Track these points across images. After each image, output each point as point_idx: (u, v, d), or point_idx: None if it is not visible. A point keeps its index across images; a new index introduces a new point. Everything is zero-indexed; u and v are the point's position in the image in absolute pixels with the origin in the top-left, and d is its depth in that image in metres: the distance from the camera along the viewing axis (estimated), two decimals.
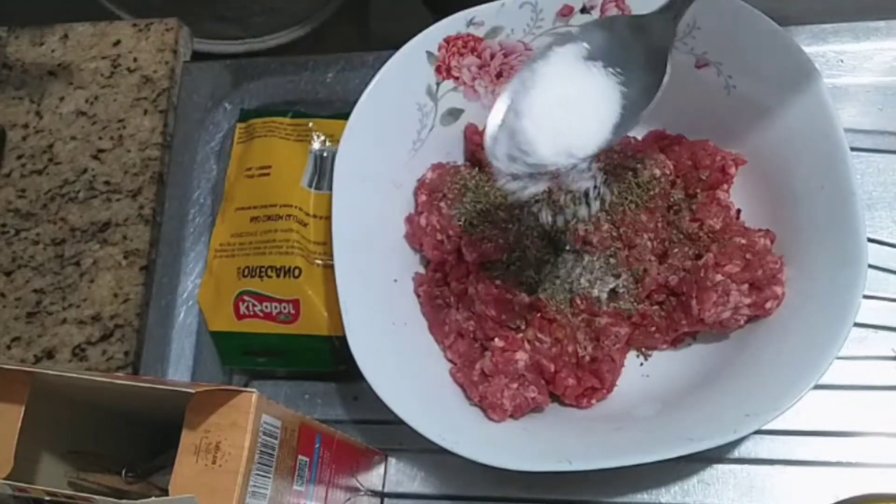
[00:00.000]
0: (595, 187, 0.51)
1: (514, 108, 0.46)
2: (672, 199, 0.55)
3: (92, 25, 0.71)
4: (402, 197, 0.58)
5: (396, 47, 0.56)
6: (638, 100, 0.46)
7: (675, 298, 0.54)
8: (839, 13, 0.62)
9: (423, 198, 0.57)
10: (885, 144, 0.58)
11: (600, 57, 0.47)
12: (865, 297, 0.48)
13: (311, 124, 0.62)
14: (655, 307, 0.54)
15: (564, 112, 0.46)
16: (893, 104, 0.59)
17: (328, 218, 0.55)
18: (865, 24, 0.61)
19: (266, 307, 0.58)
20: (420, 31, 0.56)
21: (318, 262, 0.58)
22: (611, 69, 0.47)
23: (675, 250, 0.54)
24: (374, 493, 0.55)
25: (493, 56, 0.57)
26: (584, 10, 0.56)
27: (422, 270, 0.58)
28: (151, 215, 0.65)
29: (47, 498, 0.40)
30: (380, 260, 0.55)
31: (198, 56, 0.72)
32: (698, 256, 0.53)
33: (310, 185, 0.60)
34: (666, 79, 0.45)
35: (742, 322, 0.52)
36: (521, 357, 0.52)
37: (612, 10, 0.56)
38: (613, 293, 0.54)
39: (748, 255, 0.52)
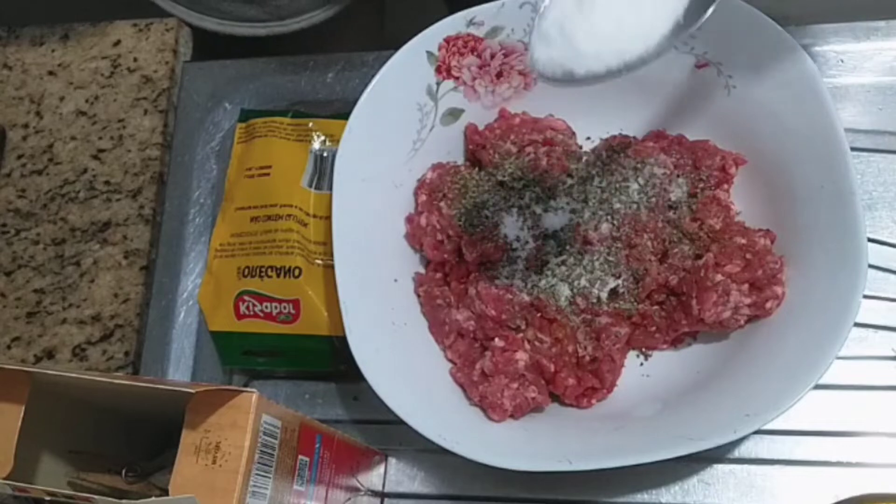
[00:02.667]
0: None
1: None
2: (672, 199, 0.55)
3: (92, 25, 0.71)
4: (402, 197, 0.58)
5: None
6: (694, 10, 0.42)
7: (675, 298, 0.54)
8: (839, 13, 0.62)
9: (423, 198, 0.57)
10: (885, 144, 0.58)
11: None
12: (865, 297, 0.48)
13: (311, 124, 0.62)
14: (655, 307, 0.54)
15: (618, 11, 0.42)
16: (893, 104, 0.59)
17: (328, 218, 0.55)
18: (865, 24, 0.61)
19: (266, 307, 0.58)
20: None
21: (318, 262, 0.58)
22: None
23: (675, 250, 0.54)
24: (374, 493, 0.55)
25: (493, 56, 0.57)
26: None
27: (422, 270, 0.58)
28: (151, 215, 0.65)
29: (47, 498, 0.40)
30: (380, 260, 0.55)
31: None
32: (698, 256, 0.53)
33: (310, 185, 0.60)
34: None
35: (742, 322, 0.52)
36: (521, 357, 0.52)
37: None
38: (613, 293, 0.54)
39: (748, 255, 0.52)
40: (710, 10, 0.42)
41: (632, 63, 0.43)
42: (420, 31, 0.56)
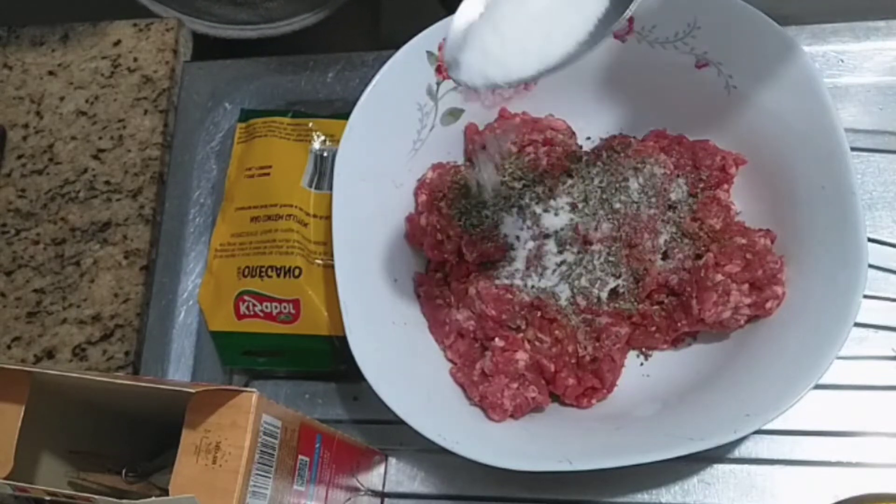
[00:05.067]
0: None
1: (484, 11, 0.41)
2: (672, 199, 0.55)
3: (92, 25, 0.71)
4: (402, 197, 0.58)
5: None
6: (613, 10, 0.41)
7: (675, 298, 0.54)
8: (839, 13, 0.62)
9: (423, 198, 0.57)
10: (885, 144, 0.58)
11: None
12: (865, 297, 0.48)
13: (311, 124, 0.62)
14: (656, 307, 0.54)
15: (535, 16, 0.41)
16: (893, 104, 0.59)
17: (328, 218, 0.55)
18: (865, 24, 0.61)
19: (266, 307, 0.58)
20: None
21: (318, 262, 0.58)
22: None
23: (676, 250, 0.54)
24: (374, 493, 0.55)
25: None
26: None
27: (422, 270, 0.58)
28: (151, 215, 0.65)
29: (47, 498, 0.40)
30: (380, 260, 0.55)
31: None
32: (698, 256, 0.53)
33: (310, 185, 0.60)
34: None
35: (742, 322, 0.52)
36: (522, 357, 0.52)
37: None
38: (613, 293, 0.54)
39: (748, 255, 0.52)
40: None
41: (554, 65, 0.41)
42: (416, 30, 0.56)
